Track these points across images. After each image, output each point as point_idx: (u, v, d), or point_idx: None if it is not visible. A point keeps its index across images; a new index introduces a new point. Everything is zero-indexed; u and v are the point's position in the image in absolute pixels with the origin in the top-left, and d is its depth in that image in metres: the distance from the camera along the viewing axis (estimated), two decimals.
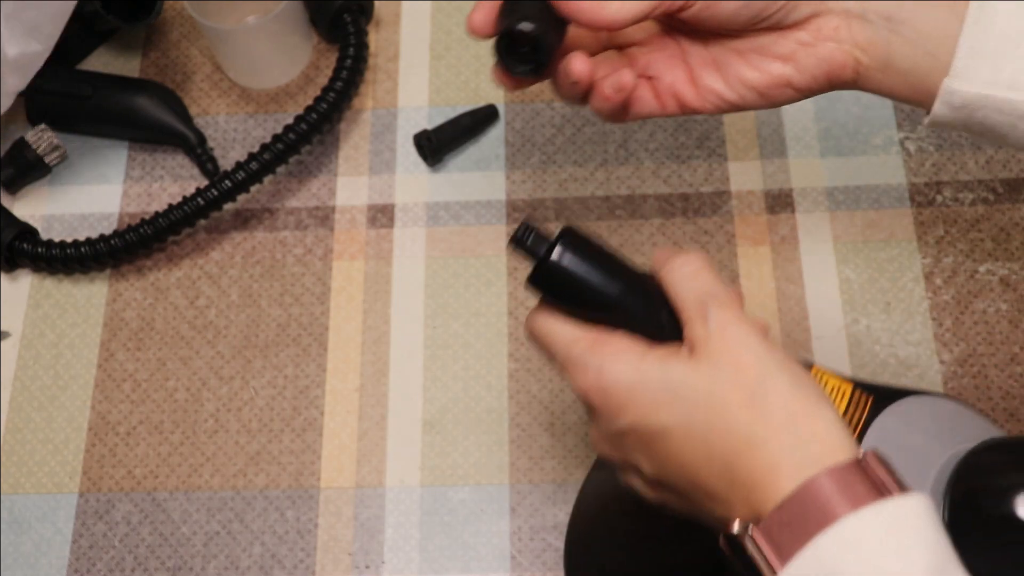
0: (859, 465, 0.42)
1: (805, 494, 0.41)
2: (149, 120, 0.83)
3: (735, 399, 0.44)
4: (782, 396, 0.44)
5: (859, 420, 0.51)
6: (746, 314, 0.47)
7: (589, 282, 0.48)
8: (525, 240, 0.48)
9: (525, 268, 0.78)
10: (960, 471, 0.48)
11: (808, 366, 0.50)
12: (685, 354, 0.46)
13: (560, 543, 0.71)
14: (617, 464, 0.50)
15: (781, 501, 0.42)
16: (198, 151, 0.83)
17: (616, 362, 0.46)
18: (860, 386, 0.52)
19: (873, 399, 0.52)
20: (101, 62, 0.88)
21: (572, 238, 0.48)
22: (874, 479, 0.42)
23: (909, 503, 0.42)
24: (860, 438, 0.50)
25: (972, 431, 0.53)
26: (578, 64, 0.52)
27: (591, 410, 0.48)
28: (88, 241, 0.79)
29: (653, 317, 0.48)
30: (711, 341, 0.45)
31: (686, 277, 0.48)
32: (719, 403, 0.44)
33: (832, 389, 0.52)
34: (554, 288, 0.49)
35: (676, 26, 0.55)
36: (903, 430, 0.51)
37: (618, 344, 0.47)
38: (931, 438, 0.52)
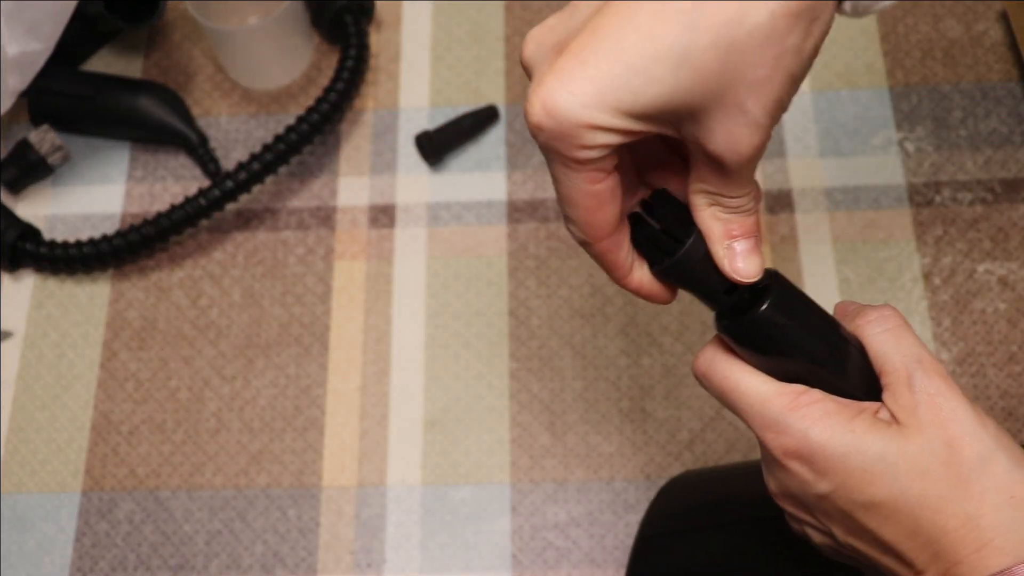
0: None
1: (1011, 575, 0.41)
2: (151, 121, 0.83)
3: (951, 476, 0.43)
4: (1000, 477, 0.43)
5: None
6: (952, 381, 0.45)
7: (797, 339, 0.45)
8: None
9: (525, 268, 0.79)
10: None
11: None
12: (892, 423, 0.44)
13: (561, 541, 0.71)
14: (797, 518, 0.48)
15: None
16: (200, 151, 0.83)
17: (825, 428, 0.44)
18: None
19: None
20: (104, 63, 0.88)
21: (782, 289, 0.45)
22: None
23: None
24: None
25: None
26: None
27: (782, 469, 0.46)
28: (91, 241, 0.79)
29: (853, 377, 0.46)
30: (919, 411, 0.44)
31: (888, 337, 0.46)
32: (934, 480, 0.43)
33: None
34: (753, 340, 0.45)
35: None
36: None
37: (822, 407, 0.44)
38: None
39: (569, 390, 0.75)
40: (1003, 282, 0.76)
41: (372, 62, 0.87)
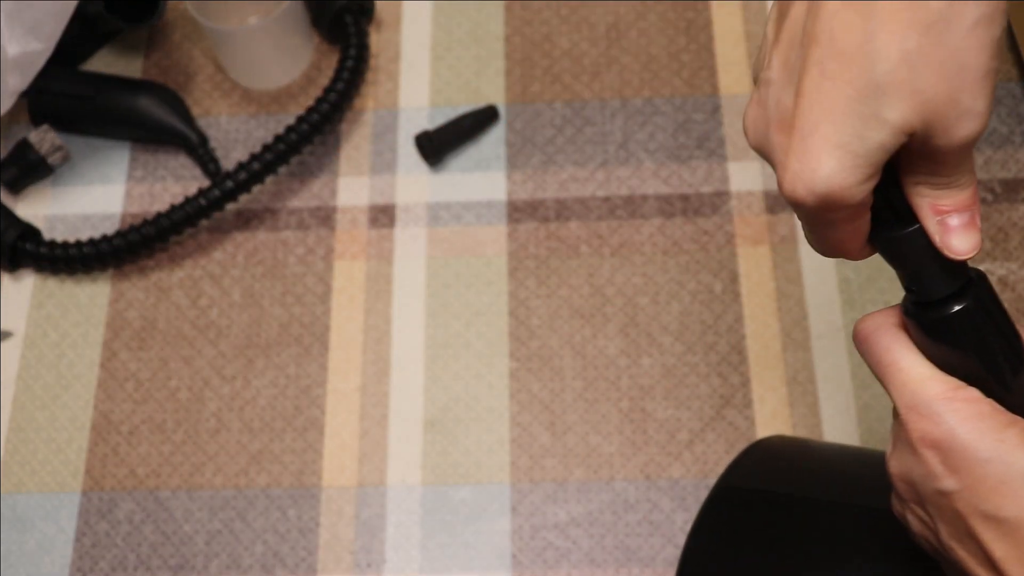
0: None
1: None
2: (151, 121, 0.83)
3: None
4: None
5: None
6: None
7: (978, 344, 0.43)
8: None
9: (525, 268, 0.79)
10: None
11: None
12: None
13: (560, 542, 0.71)
14: (905, 502, 0.47)
15: None
16: (200, 151, 0.83)
17: (974, 428, 0.42)
18: None
19: None
20: (104, 63, 0.88)
21: (981, 294, 0.43)
22: None
23: None
24: None
25: None
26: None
27: (913, 453, 0.44)
28: (91, 241, 0.79)
29: (1019, 393, 0.44)
30: None
31: None
32: None
33: None
34: (937, 334, 0.44)
35: None
36: None
37: (977, 407, 0.43)
38: None
39: (569, 390, 0.75)
40: (1003, 282, 0.76)
41: (372, 62, 0.87)
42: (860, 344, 0.47)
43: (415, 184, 0.82)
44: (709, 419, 0.74)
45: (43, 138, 0.82)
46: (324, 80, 0.86)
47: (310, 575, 0.71)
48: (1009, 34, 0.84)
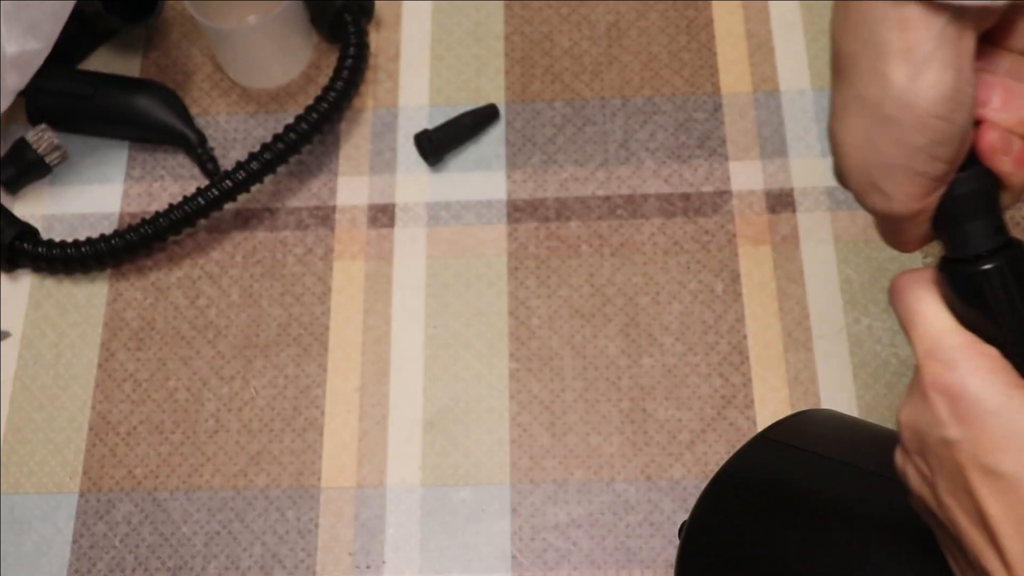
0: None
1: None
2: (150, 120, 0.83)
3: None
4: None
5: None
6: None
7: (1005, 308, 0.44)
8: None
9: (525, 268, 0.79)
10: None
11: None
12: None
13: (561, 542, 0.71)
14: (908, 455, 0.48)
15: None
16: (199, 151, 0.83)
17: (986, 379, 0.43)
18: None
19: None
20: (102, 62, 0.88)
21: (1017, 256, 0.44)
22: None
23: None
24: None
25: None
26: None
27: (923, 398, 0.45)
28: (89, 241, 0.79)
29: None
30: None
31: None
32: None
33: None
34: (965, 292, 0.45)
35: None
36: None
37: (993, 362, 0.43)
38: None
39: (569, 390, 0.75)
40: None
41: (372, 61, 0.87)
42: (893, 296, 0.48)
43: (415, 184, 0.82)
44: (710, 420, 0.73)
45: (41, 137, 0.82)
46: (323, 79, 0.86)
47: None
48: None
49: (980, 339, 0.45)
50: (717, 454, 0.72)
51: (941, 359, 0.44)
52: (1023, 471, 0.42)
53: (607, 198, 0.80)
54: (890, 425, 0.68)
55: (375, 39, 0.88)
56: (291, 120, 0.80)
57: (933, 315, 0.46)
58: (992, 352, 0.44)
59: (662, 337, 0.76)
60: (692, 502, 0.71)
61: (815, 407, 0.72)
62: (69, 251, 0.78)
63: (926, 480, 0.46)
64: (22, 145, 0.82)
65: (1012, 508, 0.42)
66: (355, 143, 0.84)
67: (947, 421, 0.44)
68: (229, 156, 0.84)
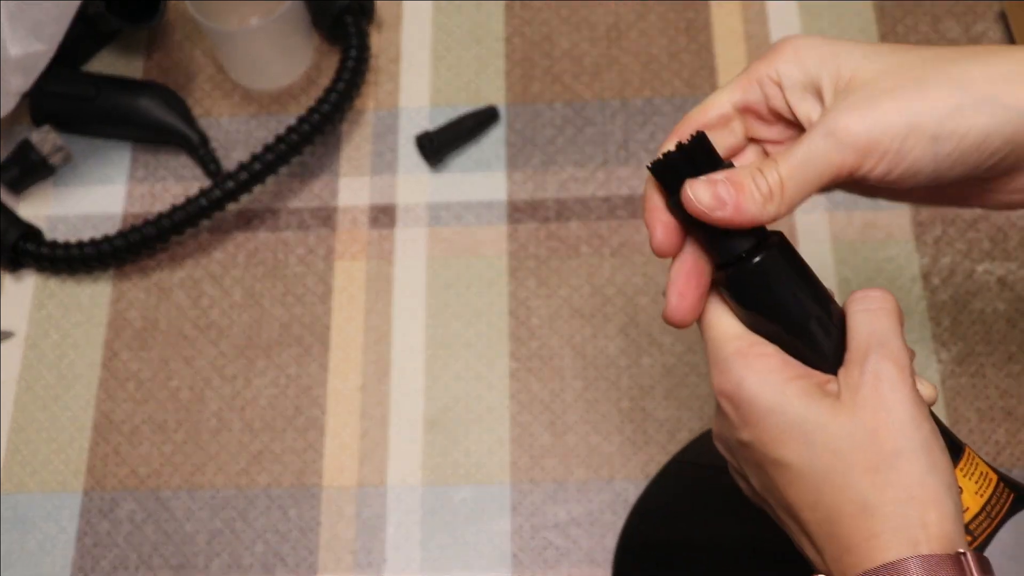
0: (955, 560, 0.41)
1: (891, 571, 0.41)
2: (152, 121, 0.83)
3: (861, 461, 0.42)
4: (909, 476, 0.42)
5: (996, 516, 0.46)
6: (911, 374, 0.44)
7: (776, 301, 0.45)
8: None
9: (525, 268, 0.79)
10: None
11: (961, 448, 0.47)
12: (830, 396, 0.44)
13: (561, 541, 0.71)
14: (728, 461, 0.49)
15: (866, 570, 0.41)
16: (201, 152, 0.83)
17: (758, 380, 0.45)
18: (1005, 480, 0.47)
19: (1014, 497, 0.47)
20: (105, 64, 0.89)
21: (780, 250, 0.45)
22: None
23: None
24: (993, 534, 0.46)
25: None
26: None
27: (718, 407, 0.47)
28: (92, 241, 0.79)
29: (825, 349, 0.46)
30: (860, 392, 0.43)
31: (864, 317, 0.45)
32: (844, 460, 0.43)
33: (979, 476, 0.47)
34: (736, 290, 0.46)
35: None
36: None
37: (766, 363, 0.45)
38: None
39: (569, 390, 0.75)
40: (1002, 282, 0.76)
41: (372, 62, 0.87)
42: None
43: (416, 184, 0.83)
44: (709, 419, 0.74)
45: (44, 138, 0.82)
46: (325, 80, 0.86)
47: (311, 575, 0.71)
48: (1008, 34, 0.84)
49: (762, 338, 0.46)
50: (717, 453, 0.73)
51: (720, 367, 0.46)
52: (804, 459, 0.44)
53: (607, 199, 0.81)
54: None
55: (376, 40, 0.88)
56: (293, 121, 0.81)
57: (715, 323, 0.47)
58: (769, 351, 0.45)
59: (661, 337, 0.76)
60: None
61: None
62: (73, 251, 0.79)
63: (743, 478, 0.48)
64: (26, 146, 0.82)
65: (804, 495, 0.44)
66: (356, 144, 0.84)
67: (737, 424, 0.46)
68: (231, 157, 0.84)
